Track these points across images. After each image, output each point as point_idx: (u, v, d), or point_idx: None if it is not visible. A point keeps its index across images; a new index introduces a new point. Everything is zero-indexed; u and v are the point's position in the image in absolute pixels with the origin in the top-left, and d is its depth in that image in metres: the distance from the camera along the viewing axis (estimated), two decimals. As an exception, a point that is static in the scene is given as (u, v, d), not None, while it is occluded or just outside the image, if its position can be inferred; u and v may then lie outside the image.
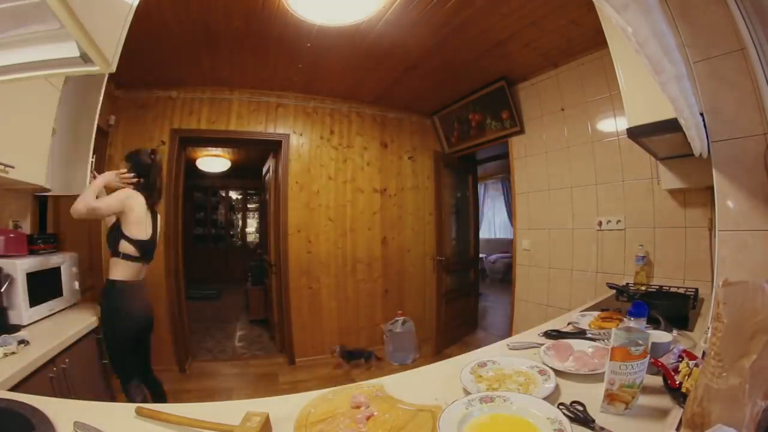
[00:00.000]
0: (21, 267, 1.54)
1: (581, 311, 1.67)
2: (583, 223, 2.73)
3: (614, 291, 1.92)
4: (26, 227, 2.09)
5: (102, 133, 2.99)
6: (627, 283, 2.16)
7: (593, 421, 0.75)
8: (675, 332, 1.18)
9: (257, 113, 3.47)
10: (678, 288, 1.82)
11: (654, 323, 1.23)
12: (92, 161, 2.10)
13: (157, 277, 3.15)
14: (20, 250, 1.71)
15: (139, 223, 1.80)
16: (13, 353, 1.20)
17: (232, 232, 8.44)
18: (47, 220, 2.25)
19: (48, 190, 1.95)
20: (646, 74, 0.89)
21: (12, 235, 1.69)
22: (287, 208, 3.49)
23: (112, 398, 1.92)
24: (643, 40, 0.73)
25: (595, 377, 0.95)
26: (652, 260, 2.30)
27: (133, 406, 0.81)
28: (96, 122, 2.11)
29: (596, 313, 1.54)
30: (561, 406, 0.79)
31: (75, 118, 2.06)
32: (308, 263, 3.55)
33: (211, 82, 3.26)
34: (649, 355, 0.78)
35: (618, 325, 1.08)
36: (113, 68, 0.66)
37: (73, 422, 0.73)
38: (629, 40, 0.74)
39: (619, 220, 2.50)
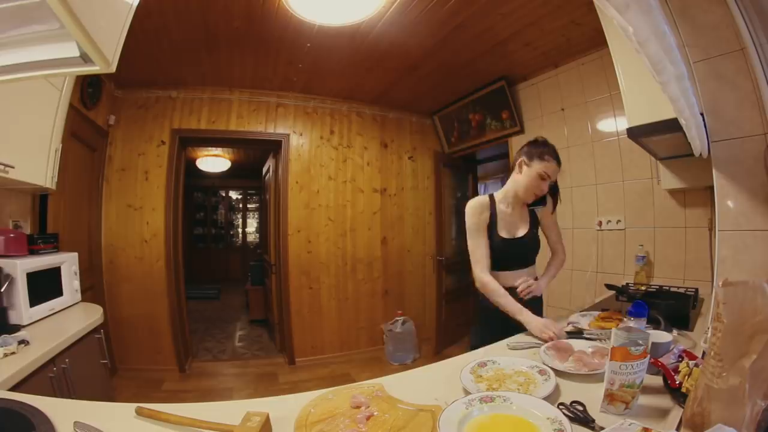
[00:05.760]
0: (21, 267, 1.54)
1: (581, 311, 1.67)
2: (583, 223, 2.73)
3: (614, 291, 1.92)
4: (26, 227, 2.09)
5: (102, 133, 2.99)
6: (627, 283, 2.16)
7: (593, 421, 0.75)
8: (675, 332, 1.18)
9: (257, 113, 3.47)
10: (678, 288, 1.82)
11: (654, 323, 1.23)
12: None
13: (157, 277, 3.16)
14: (20, 250, 1.71)
15: None
16: (13, 353, 1.20)
17: (232, 232, 8.44)
18: (47, 220, 2.25)
19: (48, 190, 1.95)
20: (646, 74, 0.89)
21: (12, 235, 1.68)
22: (287, 208, 3.49)
23: (112, 398, 1.92)
24: (644, 40, 0.73)
25: (595, 377, 0.95)
26: (652, 260, 2.29)
27: (133, 406, 0.81)
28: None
29: (596, 313, 1.54)
30: (561, 406, 0.79)
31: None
32: (308, 263, 3.55)
33: (211, 82, 3.26)
34: (649, 355, 0.78)
35: (618, 325, 1.08)
36: (113, 68, 0.66)
37: (73, 422, 0.73)
38: (630, 40, 0.74)
39: (619, 220, 2.50)
